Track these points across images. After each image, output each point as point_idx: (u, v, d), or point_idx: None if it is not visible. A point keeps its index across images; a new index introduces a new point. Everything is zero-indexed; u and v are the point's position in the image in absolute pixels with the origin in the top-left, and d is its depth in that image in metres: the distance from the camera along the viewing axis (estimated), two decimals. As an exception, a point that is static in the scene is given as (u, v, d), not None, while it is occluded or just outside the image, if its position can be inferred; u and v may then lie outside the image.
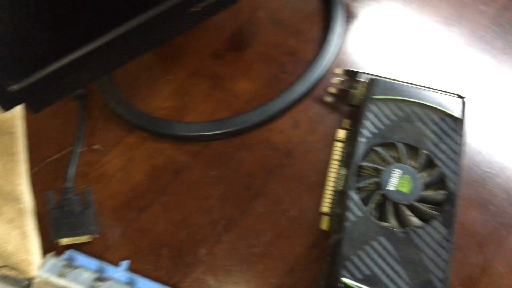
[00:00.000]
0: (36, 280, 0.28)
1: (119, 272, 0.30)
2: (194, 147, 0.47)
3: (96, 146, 0.47)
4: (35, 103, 0.36)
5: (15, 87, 0.33)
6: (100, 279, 0.29)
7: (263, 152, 0.47)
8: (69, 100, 0.48)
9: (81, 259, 0.29)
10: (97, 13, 0.33)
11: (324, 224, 0.44)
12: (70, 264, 0.29)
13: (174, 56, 0.51)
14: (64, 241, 0.42)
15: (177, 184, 0.46)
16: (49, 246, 0.43)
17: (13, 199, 0.44)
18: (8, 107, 0.34)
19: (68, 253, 0.28)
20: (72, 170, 0.42)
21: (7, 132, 0.46)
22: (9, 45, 0.31)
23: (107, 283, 0.29)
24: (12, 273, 0.39)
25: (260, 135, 0.48)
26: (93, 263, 0.29)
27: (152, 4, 0.35)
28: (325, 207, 0.45)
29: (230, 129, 0.47)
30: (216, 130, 0.47)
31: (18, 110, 0.47)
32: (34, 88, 0.34)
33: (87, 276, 0.29)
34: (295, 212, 0.45)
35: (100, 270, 0.29)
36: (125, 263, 0.30)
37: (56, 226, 0.42)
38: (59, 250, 0.43)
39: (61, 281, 0.28)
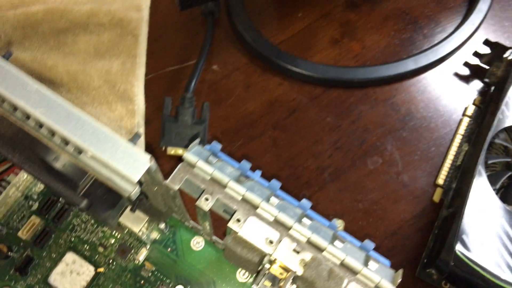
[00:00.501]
0: (183, 162, 0.27)
1: (258, 177, 0.28)
2: (315, 89, 0.45)
3: (215, 67, 0.45)
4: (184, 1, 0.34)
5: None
6: (244, 176, 0.27)
7: (384, 110, 0.44)
8: (197, 15, 0.47)
9: (223, 155, 0.28)
10: None
11: (437, 196, 0.42)
12: (216, 156, 0.27)
13: (308, -4, 0.49)
14: (170, 150, 0.41)
15: (291, 122, 0.44)
16: (154, 153, 0.42)
17: (127, 98, 0.42)
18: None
19: (212, 145, 0.27)
20: (194, 81, 0.41)
21: (132, 34, 0.45)
22: None
23: (251, 182, 0.27)
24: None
25: (384, 92, 0.45)
26: (234, 162, 0.28)
27: None
28: (441, 179, 0.42)
29: (355, 79, 0.44)
30: (340, 77, 0.44)
31: (145, 14, 0.46)
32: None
33: (232, 171, 0.27)
34: (407, 177, 0.42)
35: (241, 169, 0.27)
36: (258, 173, 0.28)
37: (167, 133, 0.40)
38: (163, 160, 0.42)
39: (208, 168, 0.26)
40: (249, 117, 0.44)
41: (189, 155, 0.27)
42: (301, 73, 0.45)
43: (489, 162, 0.40)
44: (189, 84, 0.41)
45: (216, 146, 0.28)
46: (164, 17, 0.48)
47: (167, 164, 0.42)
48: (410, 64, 0.45)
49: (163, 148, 0.41)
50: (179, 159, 0.41)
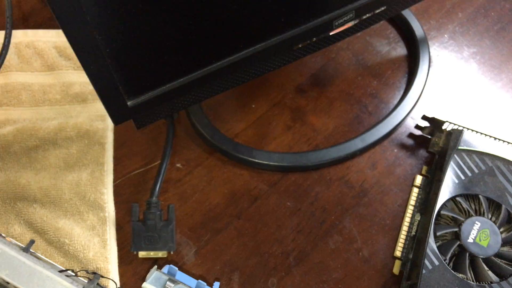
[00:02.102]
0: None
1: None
2: (272, 176, 0.48)
3: (178, 165, 0.49)
4: (140, 120, 0.38)
5: (133, 102, 0.35)
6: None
7: (339, 189, 0.48)
8: (157, 117, 0.51)
9: (180, 275, 0.30)
10: (218, 40, 0.35)
11: (396, 268, 0.44)
12: (173, 279, 0.30)
13: (259, 87, 0.53)
14: (142, 254, 0.44)
15: (253, 211, 0.47)
16: (126, 257, 0.44)
17: (97, 207, 0.45)
18: (119, 121, 0.36)
19: (168, 267, 0.29)
20: (158, 185, 0.44)
21: (98, 142, 0.48)
22: (140, 60, 0.33)
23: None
24: (90, 277, 0.40)
25: (337, 172, 0.48)
26: (191, 280, 0.30)
27: (265, 37, 0.37)
28: (398, 251, 0.45)
29: (309, 163, 0.48)
30: (295, 163, 0.48)
31: (110, 122, 0.49)
32: (148, 105, 0.36)
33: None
34: (367, 253, 0.45)
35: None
36: (216, 285, 0.31)
37: (137, 239, 0.43)
38: (135, 263, 0.44)
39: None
40: (214, 210, 0.47)
41: (148, 286, 0.30)
42: (259, 162, 0.48)
43: (438, 233, 0.43)
44: (154, 189, 0.44)
45: (173, 268, 0.31)
46: (128, 123, 0.51)
47: (140, 266, 0.44)
48: (359, 143, 0.49)
49: (135, 252, 0.44)
50: (153, 261, 0.44)
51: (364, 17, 0.41)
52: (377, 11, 0.42)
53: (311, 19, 0.38)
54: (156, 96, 0.36)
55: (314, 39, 0.40)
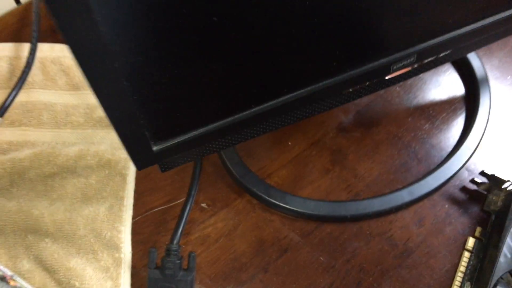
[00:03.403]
0: None
1: None
2: (306, 225, 0.44)
3: (203, 204, 0.44)
4: (166, 164, 0.34)
5: (159, 147, 0.31)
6: None
7: (380, 246, 0.43)
8: (184, 150, 0.46)
9: None
10: (258, 85, 0.31)
11: None
12: None
13: (298, 123, 0.48)
14: (157, 305, 0.40)
15: (282, 263, 0.42)
16: (140, 306, 0.40)
17: (113, 246, 0.41)
18: (143, 166, 0.32)
19: None
20: (179, 231, 0.40)
21: (120, 173, 0.44)
22: (167, 106, 0.29)
23: None
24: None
25: (378, 226, 0.43)
26: None
27: (312, 82, 0.32)
28: (444, 325, 0.40)
29: (348, 214, 0.43)
30: (332, 212, 0.43)
31: (133, 152, 0.45)
32: (175, 150, 0.32)
33: None
34: (407, 323, 0.40)
35: None
36: None
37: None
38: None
39: None
40: (239, 259, 0.42)
41: None
42: (292, 209, 0.43)
43: (493, 313, 0.38)
44: (175, 234, 0.40)
45: None
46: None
47: (154, 316, 0.40)
48: (405, 196, 0.44)
49: (149, 303, 0.40)
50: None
51: (426, 61, 0.36)
52: (441, 55, 0.36)
53: (366, 63, 0.33)
54: (185, 141, 0.32)
55: (368, 83, 0.35)
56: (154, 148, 0.31)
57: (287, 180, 0.46)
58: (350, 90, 0.35)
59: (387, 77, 0.36)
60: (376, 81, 0.36)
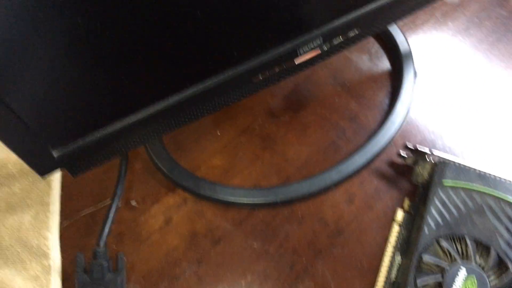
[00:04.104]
0: None
1: None
2: (238, 213, 0.44)
3: (133, 202, 0.44)
4: (74, 168, 0.33)
5: (60, 151, 0.30)
6: None
7: (312, 227, 0.43)
8: (111, 149, 0.46)
9: None
10: (158, 78, 0.30)
11: (374, 319, 0.40)
12: None
13: (226, 110, 0.48)
14: (89, 307, 0.39)
15: (215, 254, 0.42)
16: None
17: (41, 254, 0.41)
18: (45, 172, 0.31)
19: None
20: (105, 233, 0.39)
21: (44, 180, 0.43)
22: (59, 107, 0.28)
23: None
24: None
25: (310, 207, 0.44)
26: None
27: (217, 71, 0.32)
28: (376, 299, 0.40)
29: (278, 199, 0.43)
30: (263, 199, 0.43)
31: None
32: (81, 154, 0.31)
33: None
34: (342, 300, 0.40)
35: None
36: None
37: (83, 292, 0.38)
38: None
39: None
40: (172, 254, 0.42)
41: None
42: (223, 200, 0.43)
43: (419, 282, 0.38)
44: (100, 236, 0.39)
45: None
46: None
47: (89, 319, 0.40)
48: (334, 176, 0.44)
49: (81, 307, 0.39)
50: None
51: (336, 42, 0.36)
52: (350, 34, 0.36)
53: (270, 48, 0.33)
54: (87, 143, 0.31)
55: (277, 69, 0.35)
56: (55, 154, 0.30)
57: (218, 170, 0.45)
58: (260, 77, 0.35)
59: (297, 61, 0.36)
60: (287, 66, 0.36)
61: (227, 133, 0.47)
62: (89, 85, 0.28)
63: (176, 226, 0.43)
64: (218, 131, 0.47)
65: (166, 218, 0.43)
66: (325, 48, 0.35)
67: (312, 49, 0.34)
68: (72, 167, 0.33)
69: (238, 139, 0.47)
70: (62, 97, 0.28)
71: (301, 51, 0.34)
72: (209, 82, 0.32)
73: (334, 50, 0.37)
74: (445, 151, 0.45)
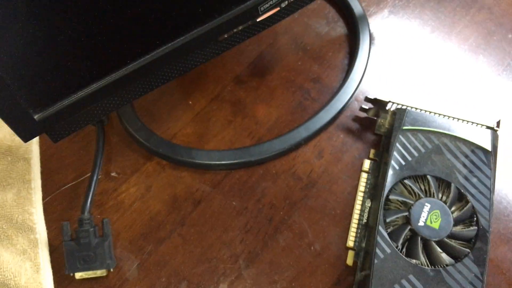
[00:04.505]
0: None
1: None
2: (215, 176, 0.46)
3: (113, 173, 0.45)
4: (55, 133, 0.34)
5: (41, 115, 0.31)
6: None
7: (286, 183, 0.46)
8: (86, 124, 0.47)
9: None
10: (128, 39, 0.32)
11: (350, 259, 0.43)
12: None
13: (195, 81, 0.50)
14: (79, 275, 0.41)
15: (197, 215, 0.44)
16: (63, 280, 0.41)
17: (26, 228, 0.42)
18: (28, 137, 0.32)
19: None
20: (89, 201, 0.41)
21: (23, 158, 0.44)
22: (38, 70, 0.29)
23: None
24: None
25: (283, 164, 0.46)
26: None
27: (183, 31, 0.34)
28: (351, 241, 0.43)
29: (252, 159, 0.45)
30: (237, 159, 0.45)
31: (34, 135, 0.45)
32: (61, 117, 0.32)
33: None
34: (319, 246, 0.43)
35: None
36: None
37: (71, 260, 0.40)
38: (73, 285, 0.41)
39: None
40: (155, 219, 0.44)
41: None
42: (200, 163, 0.45)
43: (388, 219, 0.41)
44: (84, 204, 0.41)
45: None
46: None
47: (80, 287, 0.41)
48: (303, 132, 0.47)
49: (71, 274, 0.40)
50: (92, 279, 0.41)
51: (292, -1, 0.39)
52: (305, -8, 0.39)
53: (232, 7, 0.35)
54: (68, 105, 0.32)
55: (240, 27, 0.37)
56: (36, 117, 0.32)
57: (192, 137, 0.47)
58: (226, 36, 0.37)
59: (259, 19, 0.38)
60: (250, 24, 0.38)
61: (198, 102, 0.49)
62: (65, 49, 0.30)
63: (157, 192, 0.45)
64: (189, 101, 0.49)
65: (147, 185, 0.45)
66: (284, 6, 0.38)
67: (271, 6, 0.37)
68: (53, 131, 0.34)
69: (209, 107, 0.49)
70: (40, 60, 0.29)
71: (262, 9, 0.37)
72: (178, 41, 0.34)
73: (293, 8, 0.39)
74: (403, 101, 0.49)
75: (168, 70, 0.36)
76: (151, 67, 0.34)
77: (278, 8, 0.38)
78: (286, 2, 0.38)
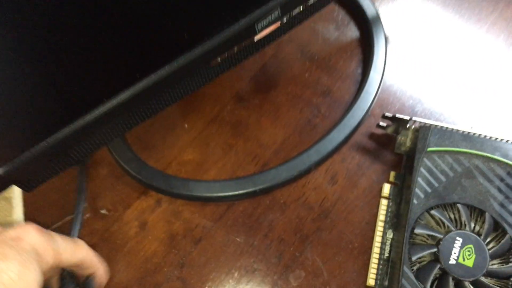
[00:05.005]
0: None
1: None
2: (217, 208, 0.41)
3: (103, 211, 0.41)
4: (27, 183, 0.30)
5: (5, 169, 0.27)
6: None
7: (296, 213, 0.41)
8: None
9: None
10: (99, 77, 0.27)
11: (371, 300, 0.38)
12: None
13: (191, 101, 0.45)
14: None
15: (197, 254, 0.39)
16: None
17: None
18: (-5, 192, 0.28)
19: None
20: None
21: (3, 198, 0.40)
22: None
23: None
24: None
25: (291, 193, 0.41)
26: None
27: (166, 59, 0.29)
28: (371, 279, 0.38)
29: (257, 188, 0.40)
30: (240, 190, 0.40)
31: (15, 171, 0.41)
32: (30, 168, 0.28)
33: None
34: (335, 286, 0.38)
35: None
36: None
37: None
38: None
39: None
40: (151, 260, 0.39)
41: None
42: (198, 196, 0.40)
43: (414, 257, 0.36)
44: (69, 253, 0.36)
45: None
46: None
47: None
48: (313, 156, 0.41)
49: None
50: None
51: (295, 12, 0.33)
52: (311, 2, 0.33)
53: (224, 28, 0.30)
54: (35, 156, 0.28)
55: (235, 49, 0.32)
56: (1, 171, 0.27)
57: (189, 165, 0.43)
58: (219, 60, 0.32)
59: (257, 38, 0.33)
60: (246, 45, 0.33)
61: (195, 125, 0.44)
62: (22, 95, 0.25)
63: (152, 230, 0.40)
64: (185, 124, 0.44)
65: (141, 222, 0.41)
66: (285, 20, 0.33)
67: (270, 23, 0.32)
68: (24, 182, 0.30)
69: (207, 130, 0.44)
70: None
71: (260, 26, 0.31)
72: (163, 72, 0.29)
73: (295, 21, 0.34)
74: (426, 116, 0.43)
75: (153, 103, 0.31)
76: (130, 105, 0.29)
77: (279, 24, 0.33)
78: (288, 15, 0.32)
